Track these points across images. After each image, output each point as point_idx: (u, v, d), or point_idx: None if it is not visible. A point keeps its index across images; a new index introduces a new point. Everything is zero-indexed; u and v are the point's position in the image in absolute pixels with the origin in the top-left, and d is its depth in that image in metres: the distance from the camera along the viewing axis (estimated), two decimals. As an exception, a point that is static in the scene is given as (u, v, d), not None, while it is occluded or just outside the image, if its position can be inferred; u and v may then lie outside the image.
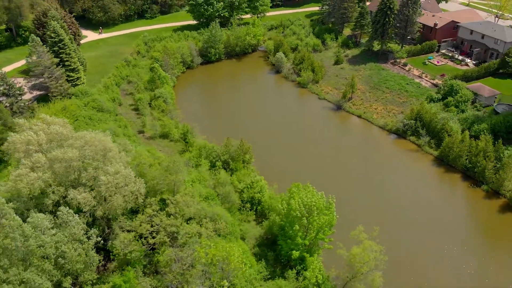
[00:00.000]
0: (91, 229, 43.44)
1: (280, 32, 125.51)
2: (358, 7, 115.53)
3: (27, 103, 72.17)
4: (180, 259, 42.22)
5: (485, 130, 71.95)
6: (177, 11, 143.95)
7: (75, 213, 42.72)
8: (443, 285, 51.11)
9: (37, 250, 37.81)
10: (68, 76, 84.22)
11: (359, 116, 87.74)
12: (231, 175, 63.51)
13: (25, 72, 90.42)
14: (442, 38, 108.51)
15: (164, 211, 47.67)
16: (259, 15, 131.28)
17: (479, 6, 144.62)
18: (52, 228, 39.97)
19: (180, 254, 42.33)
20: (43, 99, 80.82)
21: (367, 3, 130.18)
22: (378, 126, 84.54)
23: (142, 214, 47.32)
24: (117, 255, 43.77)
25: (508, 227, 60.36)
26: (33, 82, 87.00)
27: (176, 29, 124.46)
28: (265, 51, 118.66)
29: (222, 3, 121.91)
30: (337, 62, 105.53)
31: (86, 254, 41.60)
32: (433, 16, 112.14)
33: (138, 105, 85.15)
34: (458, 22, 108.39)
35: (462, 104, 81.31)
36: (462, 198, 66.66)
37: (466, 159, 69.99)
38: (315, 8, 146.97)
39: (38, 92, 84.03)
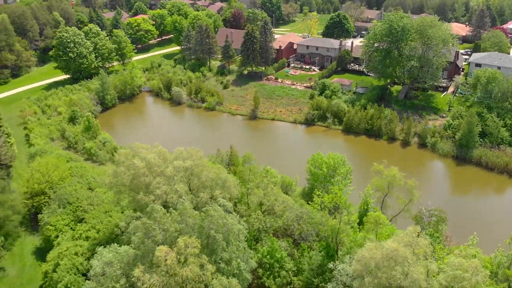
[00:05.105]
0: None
1: (154, 73, 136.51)
2: None
3: None
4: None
5: (369, 103, 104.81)
6: (28, 72, 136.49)
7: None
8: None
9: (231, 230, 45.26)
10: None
11: (273, 119, 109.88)
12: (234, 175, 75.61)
13: None
14: (287, 55, 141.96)
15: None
16: (125, 62, 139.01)
17: (283, 32, 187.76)
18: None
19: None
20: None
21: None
22: (290, 122, 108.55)
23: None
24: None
25: (404, 155, 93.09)
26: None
27: (46, 87, 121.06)
28: (151, 91, 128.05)
29: (93, 55, 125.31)
30: (225, 87, 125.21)
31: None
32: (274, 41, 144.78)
33: (93, 153, 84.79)
34: (293, 43, 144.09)
35: (337, 93, 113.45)
36: (374, 146, 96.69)
37: (365, 124, 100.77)
38: (166, 50, 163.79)
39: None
